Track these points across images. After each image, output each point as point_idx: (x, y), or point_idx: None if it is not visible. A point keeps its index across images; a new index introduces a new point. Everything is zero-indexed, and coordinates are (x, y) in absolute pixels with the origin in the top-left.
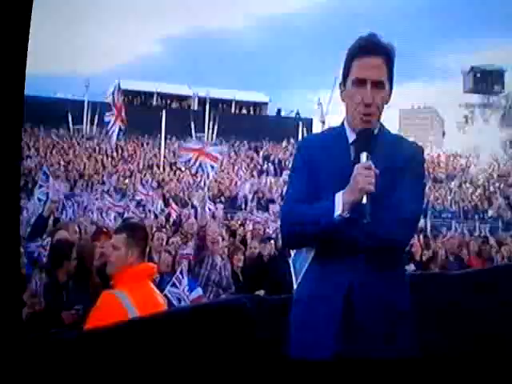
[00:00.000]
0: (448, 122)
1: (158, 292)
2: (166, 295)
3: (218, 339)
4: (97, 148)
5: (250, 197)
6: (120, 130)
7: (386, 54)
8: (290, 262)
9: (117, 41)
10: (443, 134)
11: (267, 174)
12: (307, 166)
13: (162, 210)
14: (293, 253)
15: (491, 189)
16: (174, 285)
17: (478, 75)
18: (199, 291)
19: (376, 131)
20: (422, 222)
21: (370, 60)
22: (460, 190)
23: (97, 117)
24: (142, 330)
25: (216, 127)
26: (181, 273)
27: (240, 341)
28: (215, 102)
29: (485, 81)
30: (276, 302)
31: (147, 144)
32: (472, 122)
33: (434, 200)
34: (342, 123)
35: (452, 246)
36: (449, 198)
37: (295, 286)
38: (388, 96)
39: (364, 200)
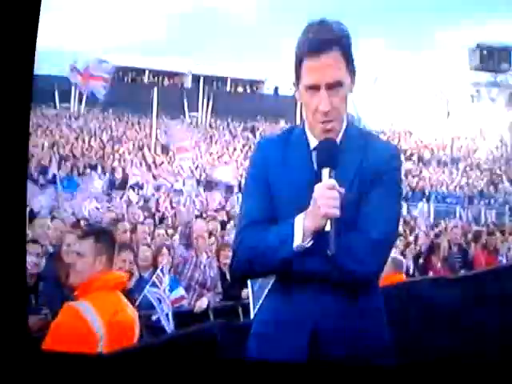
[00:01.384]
0: (453, 102)
1: (128, 304)
2: (145, 295)
3: (187, 377)
4: (84, 128)
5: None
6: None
7: (340, 45)
8: (249, 283)
9: (106, 14)
10: (448, 114)
11: None
12: (264, 176)
13: (152, 195)
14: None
15: (498, 173)
16: (154, 284)
17: (485, 52)
18: (181, 291)
19: (340, 136)
20: (425, 207)
21: (321, 60)
22: (465, 173)
23: (85, 95)
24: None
25: (210, 106)
26: (162, 271)
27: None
28: (209, 80)
29: (492, 58)
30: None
31: (138, 124)
32: (478, 102)
33: (437, 184)
34: (303, 125)
35: (456, 237)
36: (453, 182)
37: (253, 313)
38: (350, 88)
39: (327, 227)
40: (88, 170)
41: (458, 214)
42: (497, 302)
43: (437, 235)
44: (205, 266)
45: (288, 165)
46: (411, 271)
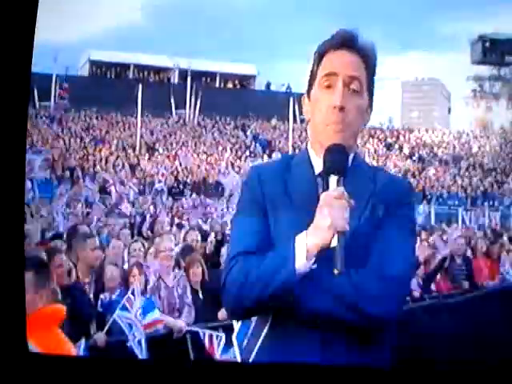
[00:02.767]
0: (454, 97)
1: (66, 339)
2: (115, 320)
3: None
4: (65, 127)
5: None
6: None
7: (366, 55)
8: (233, 337)
9: (88, 7)
10: (449, 110)
11: (254, 156)
12: (259, 206)
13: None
14: (236, 326)
15: (502, 172)
16: (124, 308)
17: (487, 45)
18: (156, 314)
19: (351, 159)
20: (425, 209)
21: (345, 53)
22: (467, 173)
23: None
24: None
25: (199, 103)
26: (132, 293)
27: None
28: (198, 75)
29: (494, 51)
30: None
31: (122, 122)
32: (481, 97)
33: (438, 185)
34: (306, 148)
35: (458, 247)
36: (455, 182)
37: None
38: (366, 110)
39: (334, 242)
40: (67, 173)
41: (460, 217)
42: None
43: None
44: (171, 288)
45: (289, 193)
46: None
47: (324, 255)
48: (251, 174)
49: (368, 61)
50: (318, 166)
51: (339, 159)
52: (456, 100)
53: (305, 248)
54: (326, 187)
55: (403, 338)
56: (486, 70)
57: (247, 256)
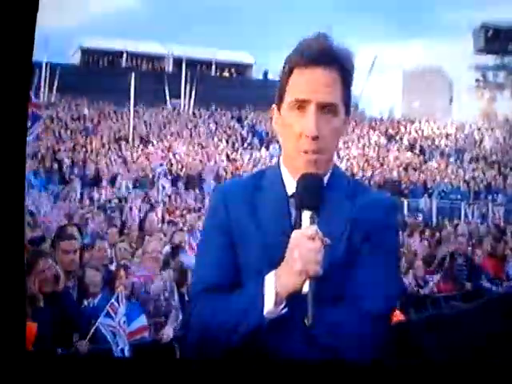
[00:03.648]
0: (457, 87)
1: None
2: (98, 328)
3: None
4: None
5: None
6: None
7: (342, 66)
8: None
9: None
10: (451, 99)
11: (251, 148)
12: (224, 233)
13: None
14: None
15: (507, 165)
16: (108, 315)
17: (490, 33)
18: (142, 320)
19: (327, 178)
20: (426, 204)
21: (318, 72)
22: (471, 166)
23: (56, 81)
24: None
25: (194, 92)
26: (117, 300)
27: None
28: (193, 63)
29: (498, 39)
30: None
31: (114, 113)
32: (484, 86)
33: (440, 178)
34: (278, 165)
35: (460, 246)
36: (458, 175)
37: None
38: (343, 126)
39: (305, 288)
40: (56, 165)
41: (462, 212)
42: None
43: (438, 242)
44: (161, 291)
45: (258, 215)
46: (410, 288)
47: (296, 297)
48: (216, 196)
49: (345, 74)
50: (291, 186)
51: (313, 192)
52: (459, 90)
53: (273, 292)
54: (299, 221)
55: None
56: (489, 59)
57: (211, 294)
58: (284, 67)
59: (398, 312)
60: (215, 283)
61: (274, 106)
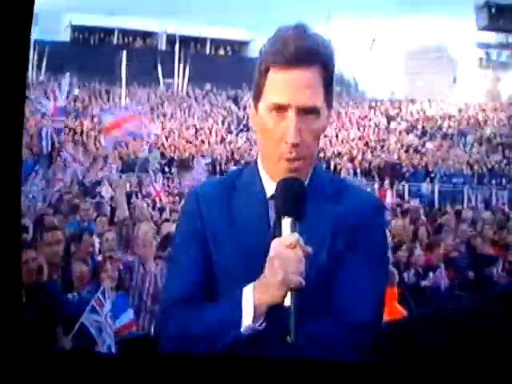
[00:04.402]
0: (460, 66)
1: None
2: (83, 324)
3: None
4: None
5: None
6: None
7: (321, 61)
8: None
9: None
10: (454, 80)
11: (248, 130)
12: (198, 240)
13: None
14: None
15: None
16: (93, 310)
17: (494, 10)
18: (129, 315)
19: (308, 179)
20: (428, 188)
21: (295, 74)
22: (474, 148)
23: (45, 60)
24: None
25: (187, 71)
26: (102, 293)
27: None
28: (187, 41)
29: (501, 17)
30: None
31: (106, 92)
32: (487, 66)
33: (442, 161)
34: (256, 164)
35: (463, 234)
36: (460, 158)
37: None
38: (326, 123)
39: (287, 301)
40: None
41: (466, 196)
42: None
43: (439, 228)
44: (155, 275)
45: (234, 219)
46: (407, 279)
47: (276, 311)
48: (189, 198)
49: (326, 71)
50: (270, 187)
51: (294, 199)
52: (462, 69)
53: (252, 306)
54: (279, 229)
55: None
56: (492, 37)
57: (184, 307)
58: (260, 64)
59: (398, 306)
60: (188, 295)
61: (250, 101)
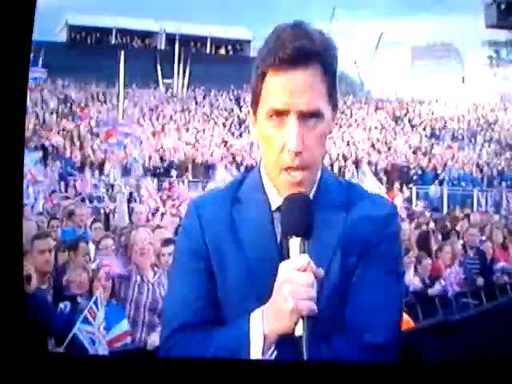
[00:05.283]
0: (469, 64)
1: None
2: (75, 335)
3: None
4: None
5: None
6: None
7: (323, 61)
8: None
9: None
10: (463, 79)
11: (249, 132)
12: (200, 259)
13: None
14: None
15: None
16: (86, 320)
17: (503, 7)
18: (124, 326)
19: (314, 190)
20: (436, 191)
21: (295, 76)
22: (484, 150)
23: (40, 61)
24: None
25: (188, 72)
26: (95, 303)
27: None
28: (187, 40)
29: (511, 13)
30: None
31: (103, 94)
32: (497, 64)
33: (451, 163)
34: (259, 173)
35: (472, 238)
36: (470, 160)
37: None
38: (329, 127)
39: (299, 330)
40: (40, 153)
41: (475, 200)
42: None
43: (445, 233)
44: (153, 285)
45: (239, 235)
46: (412, 288)
47: (287, 340)
48: (189, 213)
49: (328, 71)
50: (275, 199)
51: (300, 217)
52: (470, 68)
53: (261, 336)
54: (287, 249)
55: None
56: (502, 35)
57: (187, 334)
58: (256, 68)
59: (405, 316)
60: (191, 321)
61: (248, 108)
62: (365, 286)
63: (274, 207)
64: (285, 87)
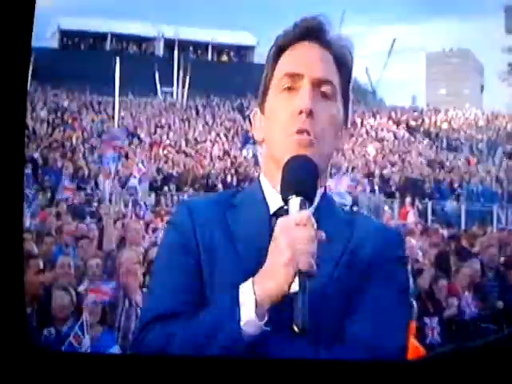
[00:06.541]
0: (487, 72)
1: None
2: None
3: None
4: (29, 109)
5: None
6: None
7: (339, 52)
8: None
9: None
10: (482, 87)
11: (254, 143)
12: (189, 255)
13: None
14: None
15: None
16: (71, 346)
17: None
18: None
19: (317, 199)
20: (454, 208)
21: (313, 47)
22: (504, 163)
23: (31, 67)
24: None
25: (187, 79)
26: (81, 328)
27: None
28: (187, 46)
29: None
30: None
31: (98, 103)
32: None
33: (470, 177)
34: (258, 178)
35: (492, 259)
36: (489, 174)
37: None
38: (341, 126)
39: (295, 287)
40: (28, 166)
41: (495, 216)
42: None
43: (465, 252)
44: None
45: (231, 235)
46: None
47: (280, 313)
48: (180, 211)
49: (342, 61)
50: (274, 203)
51: (304, 177)
52: (489, 75)
53: (253, 299)
54: (284, 213)
55: None
56: None
57: (168, 320)
58: (269, 53)
59: (415, 343)
60: (172, 310)
61: (255, 110)
62: (365, 312)
63: (272, 211)
64: (301, 55)
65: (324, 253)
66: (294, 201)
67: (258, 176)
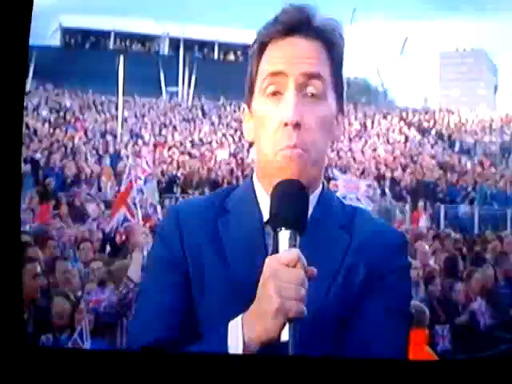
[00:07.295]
0: (502, 72)
1: None
2: None
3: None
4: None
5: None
6: None
7: (328, 38)
8: None
9: None
10: (495, 88)
11: None
12: (176, 269)
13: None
14: None
15: None
16: None
17: None
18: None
19: (315, 198)
20: (467, 211)
21: (297, 41)
22: None
23: (32, 65)
24: None
25: (194, 79)
26: (80, 335)
27: None
28: (192, 45)
29: None
30: None
31: (101, 103)
32: None
33: (483, 180)
34: (251, 180)
35: (506, 265)
36: (504, 177)
37: None
38: (334, 119)
39: (285, 335)
40: (29, 166)
41: (509, 221)
42: None
43: (478, 257)
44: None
45: (221, 246)
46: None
47: (271, 350)
48: (167, 219)
49: (332, 47)
50: (267, 208)
51: (293, 204)
52: (504, 75)
53: (240, 342)
54: (275, 247)
55: None
56: None
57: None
58: (252, 48)
59: (428, 350)
60: (163, 338)
61: (243, 105)
62: (365, 325)
63: (266, 218)
64: (284, 51)
65: (320, 263)
66: (284, 234)
67: (251, 176)
